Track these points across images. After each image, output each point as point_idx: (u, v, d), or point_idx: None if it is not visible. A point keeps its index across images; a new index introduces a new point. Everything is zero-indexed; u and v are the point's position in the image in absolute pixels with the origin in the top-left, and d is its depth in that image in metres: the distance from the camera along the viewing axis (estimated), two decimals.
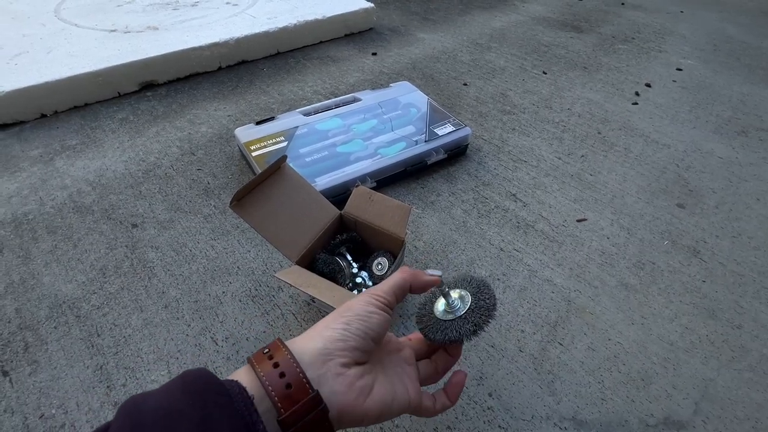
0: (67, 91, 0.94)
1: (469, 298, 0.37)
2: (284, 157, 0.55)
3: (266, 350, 0.29)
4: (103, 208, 0.72)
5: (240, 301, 0.59)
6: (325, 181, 0.71)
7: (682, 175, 0.84)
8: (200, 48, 1.07)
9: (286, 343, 0.30)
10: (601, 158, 0.87)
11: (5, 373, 0.51)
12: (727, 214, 0.75)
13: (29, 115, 0.93)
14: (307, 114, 0.85)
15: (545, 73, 1.17)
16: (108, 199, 0.74)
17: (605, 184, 0.81)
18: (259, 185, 0.52)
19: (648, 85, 1.13)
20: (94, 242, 0.67)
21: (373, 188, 0.71)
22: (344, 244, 0.59)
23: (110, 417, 0.32)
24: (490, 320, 0.36)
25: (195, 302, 0.59)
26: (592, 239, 0.70)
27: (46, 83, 0.91)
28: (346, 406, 0.29)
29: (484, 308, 0.36)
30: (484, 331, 0.36)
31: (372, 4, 1.33)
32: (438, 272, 0.37)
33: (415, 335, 0.41)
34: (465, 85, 1.10)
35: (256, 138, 0.78)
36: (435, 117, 0.86)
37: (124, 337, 0.55)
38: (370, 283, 0.57)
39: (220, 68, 1.12)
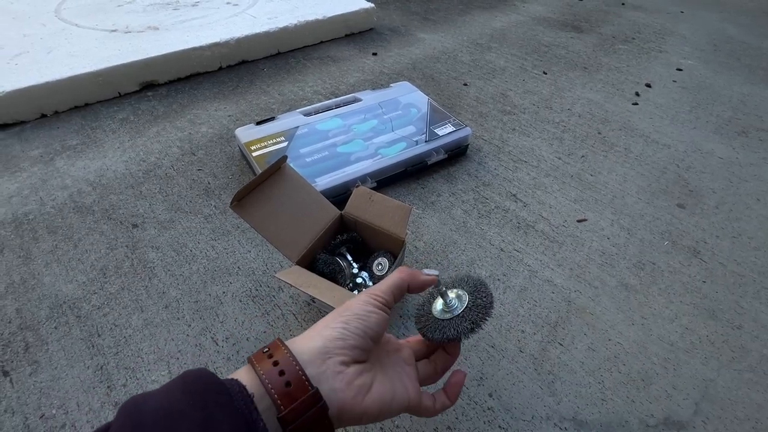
0: (68, 91, 0.94)
1: (466, 297, 0.38)
2: (284, 158, 0.55)
3: (266, 349, 0.30)
4: (103, 208, 0.72)
5: (240, 301, 0.59)
6: (325, 182, 0.71)
7: (682, 176, 0.84)
8: (201, 48, 1.07)
9: (286, 342, 0.30)
10: (601, 158, 0.87)
11: (6, 373, 0.51)
12: (727, 215, 0.75)
13: (30, 115, 0.93)
14: (307, 114, 0.85)
15: (545, 74, 1.17)
16: (108, 199, 0.74)
17: (605, 185, 0.81)
18: (260, 185, 0.52)
19: (648, 86, 1.13)
20: (95, 242, 0.67)
21: (374, 188, 0.71)
22: (344, 244, 0.59)
23: (111, 417, 0.32)
24: (487, 318, 0.36)
25: (195, 302, 0.59)
26: (593, 239, 0.70)
27: (47, 83, 0.91)
28: (346, 404, 0.29)
29: (481, 306, 0.37)
30: (482, 329, 0.36)
31: (372, 5, 1.33)
32: (435, 272, 0.37)
33: (414, 338, 0.41)
34: (465, 85, 1.10)
35: (257, 138, 0.78)
36: (435, 117, 0.86)
37: (125, 337, 0.55)
38: (371, 284, 0.57)
39: (220, 68, 1.13)
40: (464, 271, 0.64)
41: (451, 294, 0.38)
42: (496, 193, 0.78)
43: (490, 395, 0.50)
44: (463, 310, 0.37)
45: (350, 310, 0.33)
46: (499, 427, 0.47)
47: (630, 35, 1.41)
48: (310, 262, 0.56)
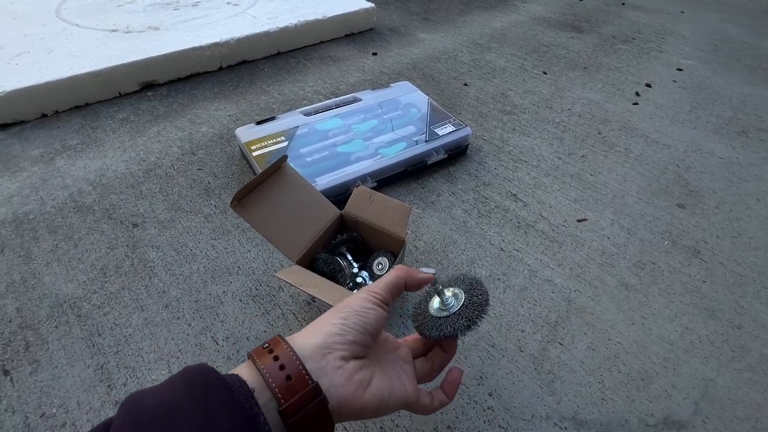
0: (68, 90, 0.94)
1: (462, 296, 0.38)
2: (285, 157, 0.55)
3: (266, 345, 0.30)
4: (103, 208, 0.72)
5: (240, 300, 0.59)
6: (325, 181, 0.71)
7: (682, 176, 0.84)
8: (201, 48, 1.07)
9: (286, 338, 0.31)
10: (601, 158, 0.87)
11: (6, 372, 0.51)
12: (727, 215, 0.75)
13: (30, 115, 0.93)
14: (307, 114, 0.85)
15: (545, 74, 1.17)
16: (109, 198, 0.74)
17: (605, 184, 0.81)
18: (260, 185, 0.52)
19: (648, 86, 1.13)
20: (95, 242, 0.67)
21: (374, 188, 0.71)
22: (345, 243, 0.59)
23: (111, 416, 0.32)
24: (483, 316, 0.37)
25: (195, 302, 0.59)
26: (593, 239, 0.70)
27: (47, 83, 0.91)
28: (346, 399, 0.30)
29: (477, 304, 0.37)
30: (478, 326, 0.37)
31: (372, 4, 1.33)
32: (431, 270, 0.38)
33: (412, 336, 0.42)
34: (465, 85, 1.10)
35: (257, 138, 0.79)
36: (435, 117, 0.86)
37: (125, 336, 0.55)
38: (371, 283, 0.57)
39: (220, 68, 1.13)
40: (464, 270, 0.64)
41: (448, 292, 0.39)
42: (496, 193, 0.78)
43: (490, 394, 0.50)
44: (459, 308, 0.37)
45: (349, 307, 0.33)
46: (499, 426, 0.47)
47: (630, 35, 1.41)
48: (310, 262, 0.57)
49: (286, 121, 0.83)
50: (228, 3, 1.31)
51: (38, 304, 0.58)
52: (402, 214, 0.56)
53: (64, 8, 1.24)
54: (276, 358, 0.29)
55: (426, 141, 0.80)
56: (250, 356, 0.29)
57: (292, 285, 0.48)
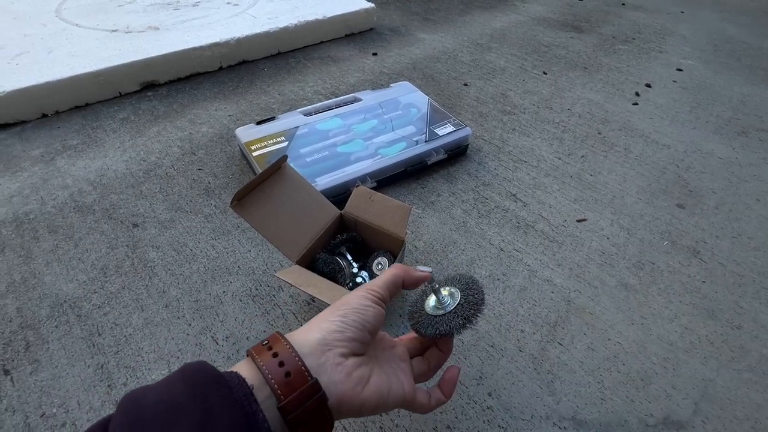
0: (68, 90, 0.94)
1: (458, 295, 0.38)
2: (285, 157, 0.55)
3: (265, 342, 0.30)
4: (104, 208, 0.72)
5: (240, 300, 0.59)
6: (325, 181, 0.71)
7: (682, 176, 0.84)
8: (201, 48, 1.07)
9: (285, 336, 0.31)
10: (601, 158, 0.87)
11: (6, 372, 0.51)
12: (727, 215, 0.76)
13: (30, 115, 0.93)
14: (307, 114, 0.85)
15: (545, 74, 1.17)
16: (109, 198, 0.74)
17: (605, 185, 0.81)
18: (260, 185, 0.52)
19: (648, 86, 1.13)
20: (95, 242, 0.67)
21: (374, 188, 0.71)
22: (344, 243, 0.59)
23: (110, 413, 0.32)
24: (478, 315, 0.37)
25: (195, 302, 0.59)
26: (592, 239, 0.70)
27: (48, 83, 0.91)
28: (345, 395, 0.30)
29: (472, 303, 0.37)
30: (473, 324, 0.37)
31: (372, 5, 1.33)
32: (428, 268, 0.39)
33: (408, 336, 0.42)
34: (465, 85, 1.10)
35: (257, 138, 0.79)
36: (435, 117, 0.86)
37: (125, 336, 0.55)
38: None
39: (221, 68, 1.13)
40: (464, 270, 0.64)
41: (444, 291, 0.39)
42: (496, 193, 0.78)
43: (490, 394, 0.50)
44: (455, 307, 0.38)
45: (348, 305, 0.33)
46: (499, 426, 0.47)
47: (630, 35, 1.41)
48: (310, 262, 0.57)
49: (286, 121, 0.83)
50: (228, 3, 1.31)
51: (38, 304, 0.58)
52: (402, 214, 0.56)
53: (64, 8, 1.24)
54: (275, 355, 0.29)
55: (426, 141, 0.80)
56: (249, 353, 0.29)
57: (291, 285, 0.48)
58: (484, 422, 0.48)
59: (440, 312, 0.38)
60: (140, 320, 0.57)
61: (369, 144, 0.79)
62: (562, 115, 1.00)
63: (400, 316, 0.58)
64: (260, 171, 0.69)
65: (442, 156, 0.81)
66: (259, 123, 0.82)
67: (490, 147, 0.89)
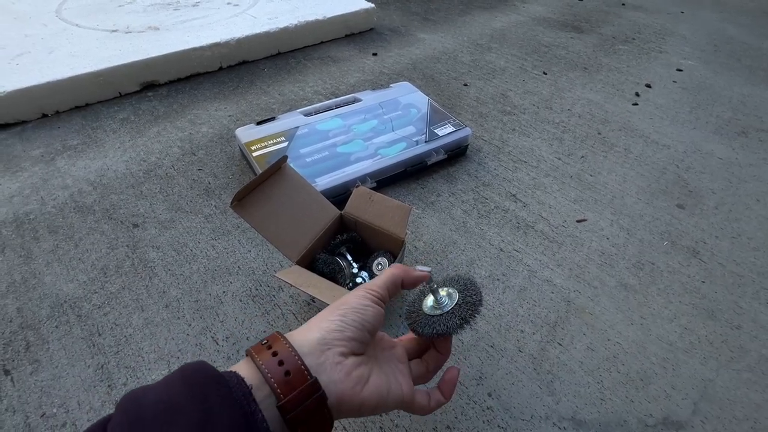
0: (69, 91, 0.95)
1: (456, 295, 0.39)
2: (285, 158, 0.55)
3: (265, 341, 0.30)
4: (104, 208, 0.73)
5: (240, 300, 0.59)
6: (325, 182, 0.71)
7: (681, 176, 0.84)
8: (201, 48, 1.07)
9: (285, 335, 0.31)
10: (601, 159, 0.87)
11: (7, 372, 0.51)
12: (726, 215, 0.76)
13: (31, 115, 0.93)
14: (307, 114, 0.85)
15: (545, 74, 1.17)
16: (109, 198, 0.74)
17: (605, 185, 0.81)
18: (260, 185, 0.52)
19: (648, 86, 1.13)
20: (96, 242, 0.67)
21: (374, 188, 0.71)
22: (344, 244, 0.59)
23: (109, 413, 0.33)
24: (476, 315, 0.37)
25: (196, 302, 0.59)
26: (592, 240, 0.70)
27: (48, 83, 0.92)
28: (345, 394, 0.30)
29: (470, 303, 0.38)
30: (470, 325, 0.37)
31: (372, 5, 1.33)
32: (427, 268, 0.38)
33: (406, 337, 0.42)
34: (465, 85, 1.10)
35: (257, 138, 0.79)
36: (435, 117, 0.86)
37: (125, 336, 0.55)
38: None
39: (221, 68, 1.13)
40: (464, 271, 0.64)
41: (442, 291, 0.39)
42: (496, 193, 0.78)
43: (489, 395, 0.50)
44: (452, 307, 0.38)
45: (347, 304, 0.33)
46: (498, 426, 0.48)
47: (630, 35, 1.41)
48: (310, 262, 0.57)
49: (286, 122, 0.83)
50: (228, 3, 1.31)
51: (39, 304, 0.58)
52: (402, 215, 0.56)
53: (64, 8, 1.25)
54: (275, 354, 0.29)
55: (426, 141, 0.80)
56: (248, 353, 0.30)
57: (291, 285, 0.49)
58: (483, 422, 0.48)
59: (438, 312, 0.38)
60: (140, 320, 0.57)
61: (369, 144, 0.79)
62: (562, 115, 1.00)
63: (400, 316, 0.58)
64: (260, 171, 0.69)
65: (442, 156, 0.81)
66: (259, 123, 0.82)
67: (490, 147, 0.89)
